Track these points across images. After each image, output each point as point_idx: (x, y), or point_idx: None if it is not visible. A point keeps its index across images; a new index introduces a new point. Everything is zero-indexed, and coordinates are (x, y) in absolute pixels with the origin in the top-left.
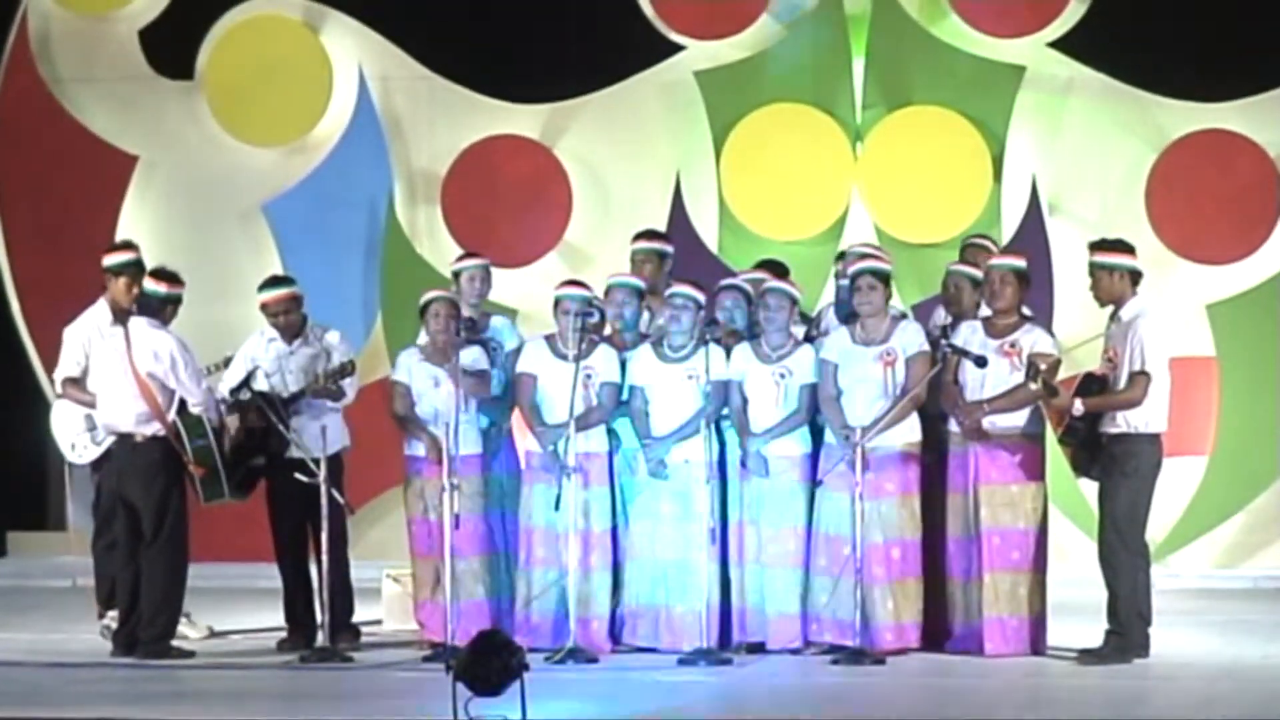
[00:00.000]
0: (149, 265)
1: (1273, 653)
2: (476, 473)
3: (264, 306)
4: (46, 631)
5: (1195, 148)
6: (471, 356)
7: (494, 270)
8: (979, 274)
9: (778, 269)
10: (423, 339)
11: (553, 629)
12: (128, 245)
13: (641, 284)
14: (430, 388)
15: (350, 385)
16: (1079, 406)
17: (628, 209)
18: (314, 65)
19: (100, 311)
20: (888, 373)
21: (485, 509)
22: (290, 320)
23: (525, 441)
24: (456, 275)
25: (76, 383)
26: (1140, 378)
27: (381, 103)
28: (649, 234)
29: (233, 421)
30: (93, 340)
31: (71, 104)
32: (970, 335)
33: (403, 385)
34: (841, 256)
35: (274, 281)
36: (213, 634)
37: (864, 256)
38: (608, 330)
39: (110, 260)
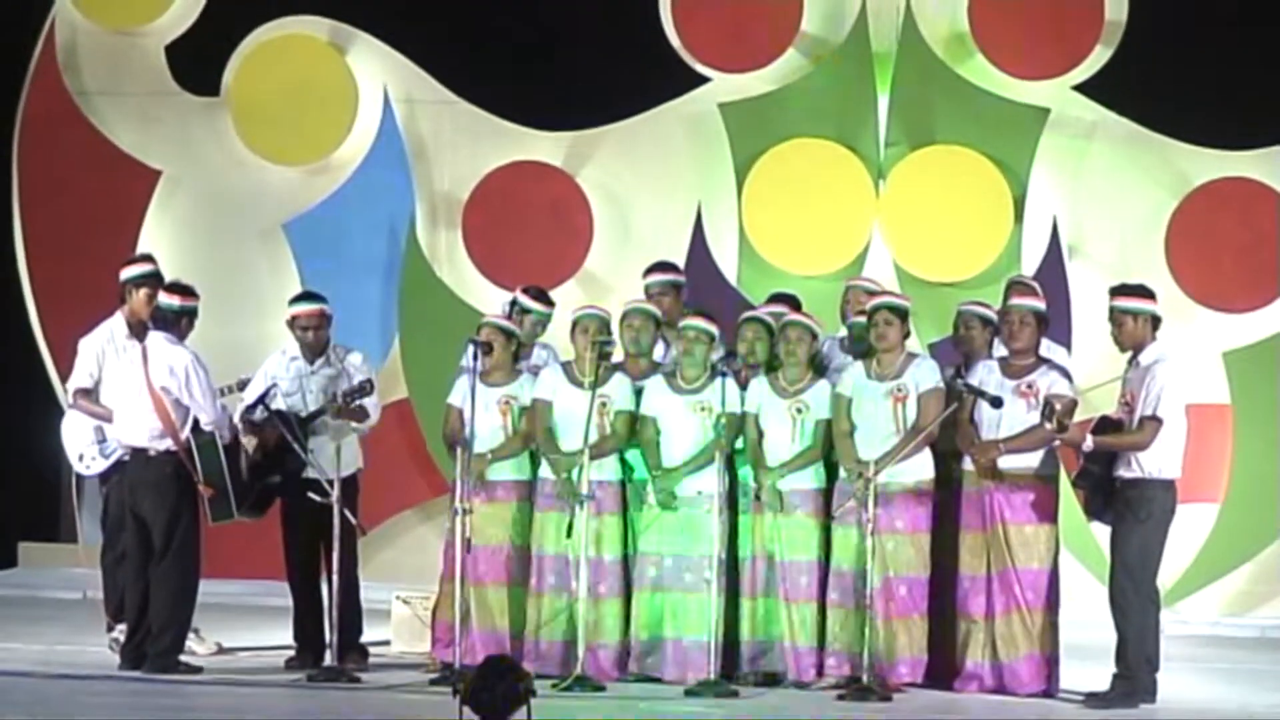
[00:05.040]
0: (167, 279)
1: (1278, 702)
2: (513, 499)
3: (294, 319)
4: (56, 643)
5: (1216, 195)
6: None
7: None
8: (990, 313)
9: (790, 302)
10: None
11: (561, 656)
12: (146, 258)
13: (658, 311)
14: (481, 410)
15: (373, 405)
16: (1090, 443)
17: (648, 239)
18: (339, 86)
19: (116, 324)
20: (898, 409)
21: (513, 538)
22: (318, 337)
23: (540, 468)
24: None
25: (88, 394)
26: (1150, 422)
27: (405, 125)
28: (662, 266)
29: (249, 441)
30: (107, 353)
31: (96, 116)
32: (986, 375)
33: (455, 409)
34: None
35: (307, 296)
36: (221, 650)
37: (876, 293)
38: (621, 357)
39: (129, 272)
